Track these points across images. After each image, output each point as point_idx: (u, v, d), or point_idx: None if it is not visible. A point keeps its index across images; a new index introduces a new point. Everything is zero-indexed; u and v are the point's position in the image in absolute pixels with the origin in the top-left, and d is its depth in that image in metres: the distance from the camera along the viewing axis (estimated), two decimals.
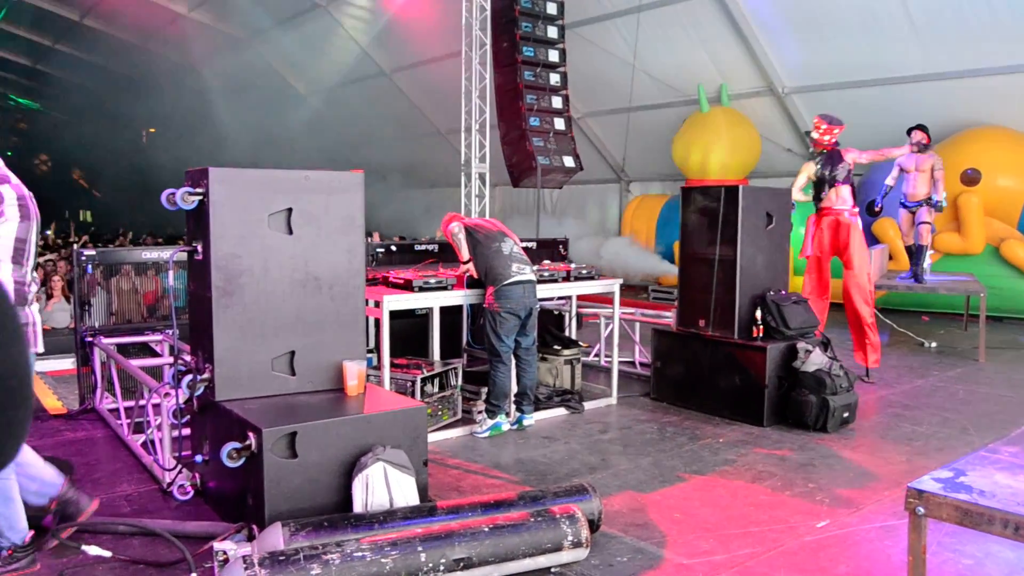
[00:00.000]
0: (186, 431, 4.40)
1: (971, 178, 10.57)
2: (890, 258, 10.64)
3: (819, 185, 7.48)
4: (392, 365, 5.44)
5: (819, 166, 7.45)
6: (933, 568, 3.45)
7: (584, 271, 6.53)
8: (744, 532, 3.91)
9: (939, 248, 10.37)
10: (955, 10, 10.39)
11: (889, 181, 9.05)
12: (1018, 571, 3.47)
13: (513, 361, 5.72)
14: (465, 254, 5.68)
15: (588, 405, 6.35)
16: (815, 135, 7.50)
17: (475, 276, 5.68)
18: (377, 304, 5.27)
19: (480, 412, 5.72)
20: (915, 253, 9.04)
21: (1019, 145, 10.69)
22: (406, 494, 3.62)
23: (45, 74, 27.74)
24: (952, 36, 10.67)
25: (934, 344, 9.12)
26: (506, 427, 5.67)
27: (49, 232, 18.38)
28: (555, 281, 6.26)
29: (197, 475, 4.29)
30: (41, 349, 3.61)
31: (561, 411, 6.19)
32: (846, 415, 5.72)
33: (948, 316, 11.06)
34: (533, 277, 5.68)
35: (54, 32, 23.50)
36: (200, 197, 3.86)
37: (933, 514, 2.28)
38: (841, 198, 7.36)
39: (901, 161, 8.89)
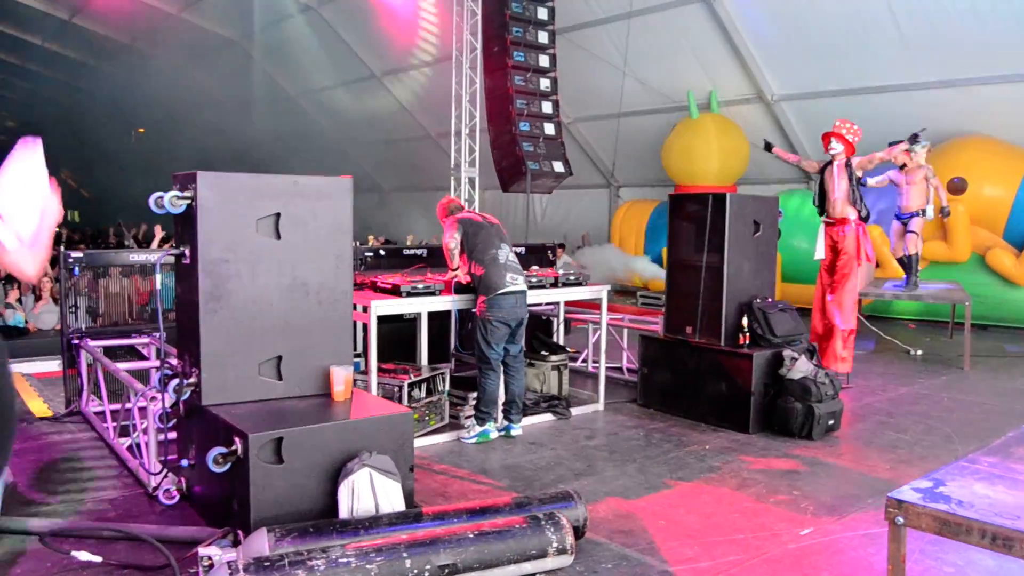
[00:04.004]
0: (172, 435, 4.40)
1: (957, 187, 10.65)
2: (877, 265, 10.70)
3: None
4: (380, 370, 5.44)
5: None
6: None
7: (572, 277, 6.54)
8: (728, 539, 3.93)
9: (925, 256, 10.45)
10: (942, 20, 10.49)
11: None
12: None
13: (502, 369, 5.73)
14: (455, 263, 5.68)
15: (575, 411, 6.37)
16: (853, 138, 7.17)
17: (463, 283, 5.69)
18: (365, 309, 5.28)
19: (468, 417, 5.72)
20: (907, 264, 9.10)
21: (1005, 154, 10.78)
22: (392, 500, 3.63)
23: (33, 72, 27.59)
24: (939, 46, 10.76)
25: (919, 352, 9.17)
26: (494, 435, 5.67)
27: None
28: (543, 287, 6.27)
29: (183, 479, 4.28)
30: None
31: (548, 417, 6.20)
32: (831, 422, 5.76)
33: (934, 324, 11.13)
34: (525, 287, 5.68)
35: (43, 32, 23.37)
36: (188, 201, 3.86)
37: (912, 524, 2.31)
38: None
39: (891, 175, 8.96)
